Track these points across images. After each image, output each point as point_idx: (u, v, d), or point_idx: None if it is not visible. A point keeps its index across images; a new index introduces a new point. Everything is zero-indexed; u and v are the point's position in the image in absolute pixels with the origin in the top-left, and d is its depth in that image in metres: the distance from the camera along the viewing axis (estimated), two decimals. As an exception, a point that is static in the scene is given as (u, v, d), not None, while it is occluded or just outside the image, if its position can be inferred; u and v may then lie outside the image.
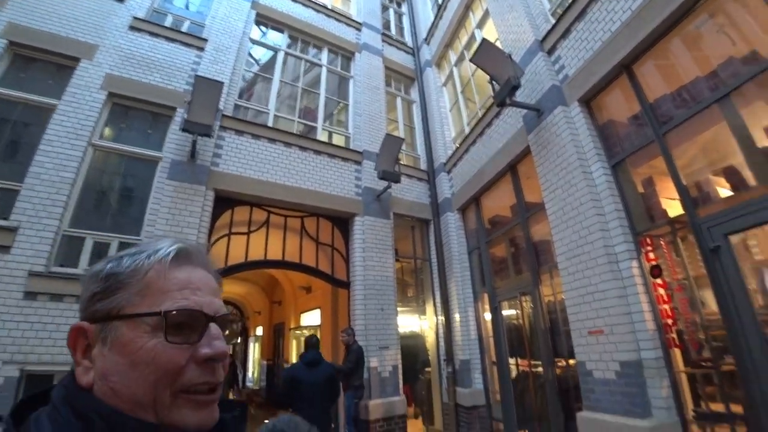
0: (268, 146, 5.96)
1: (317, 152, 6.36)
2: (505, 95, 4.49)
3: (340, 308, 6.88)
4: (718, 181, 3.31)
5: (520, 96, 4.87)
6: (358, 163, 6.70)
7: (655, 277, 3.56)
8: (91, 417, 0.44)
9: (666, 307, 3.48)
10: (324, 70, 7.42)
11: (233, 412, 0.57)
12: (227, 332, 0.55)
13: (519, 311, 5.40)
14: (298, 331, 9.62)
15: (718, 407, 3.08)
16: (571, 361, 4.23)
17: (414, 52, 8.86)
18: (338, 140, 7.07)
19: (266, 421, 0.67)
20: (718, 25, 3.32)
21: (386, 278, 6.15)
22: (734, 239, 3.06)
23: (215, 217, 5.30)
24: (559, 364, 4.54)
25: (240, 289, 12.94)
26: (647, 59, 3.79)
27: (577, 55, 4.37)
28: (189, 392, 0.48)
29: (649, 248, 3.69)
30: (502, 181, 5.70)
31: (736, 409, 2.92)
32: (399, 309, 6.25)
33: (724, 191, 3.24)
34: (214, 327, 0.51)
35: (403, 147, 6.96)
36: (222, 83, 4.94)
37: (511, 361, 5.48)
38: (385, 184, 6.30)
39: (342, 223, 6.47)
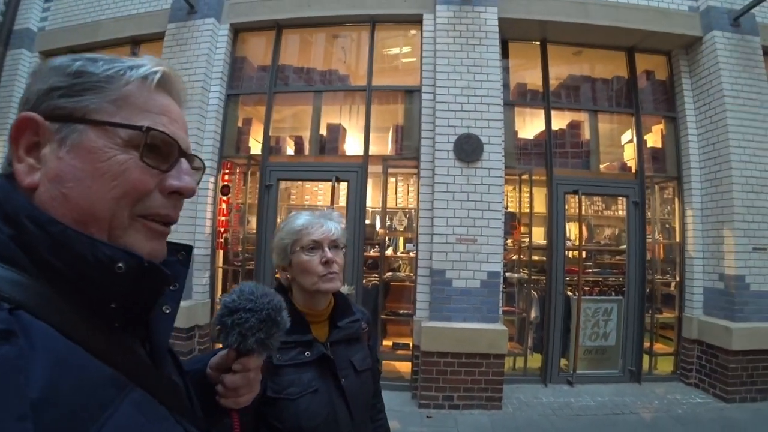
0: None
1: None
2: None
3: None
4: (289, 142, 4.61)
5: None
6: None
7: (224, 194, 4.43)
8: (22, 222, 0.39)
9: (223, 218, 4.44)
10: None
11: (177, 255, 0.55)
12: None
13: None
14: None
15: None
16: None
17: None
18: None
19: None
20: (343, 43, 4.57)
21: None
22: (282, 184, 4.45)
23: None
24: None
25: None
26: (295, 33, 4.54)
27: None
28: (146, 218, 0.46)
29: (227, 171, 4.51)
30: (118, 52, 4.75)
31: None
32: None
33: (290, 151, 4.59)
34: (185, 162, 0.49)
35: None
36: None
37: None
38: None
39: None
